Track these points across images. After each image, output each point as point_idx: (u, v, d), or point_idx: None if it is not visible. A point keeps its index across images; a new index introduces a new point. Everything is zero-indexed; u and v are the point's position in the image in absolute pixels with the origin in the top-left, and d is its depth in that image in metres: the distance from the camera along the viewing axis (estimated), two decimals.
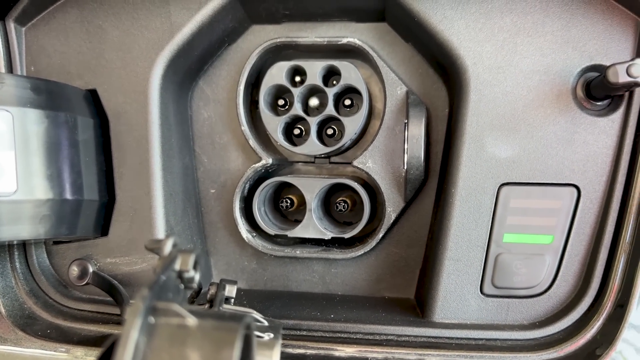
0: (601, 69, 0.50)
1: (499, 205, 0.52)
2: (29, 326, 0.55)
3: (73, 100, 0.55)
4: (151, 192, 0.56)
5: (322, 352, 0.51)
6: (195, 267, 0.34)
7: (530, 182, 0.52)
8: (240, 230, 0.62)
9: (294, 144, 0.62)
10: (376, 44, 0.60)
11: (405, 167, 0.58)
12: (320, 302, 0.60)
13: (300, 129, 0.64)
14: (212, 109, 0.64)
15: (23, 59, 0.59)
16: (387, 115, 0.59)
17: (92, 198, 0.55)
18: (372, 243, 0.61)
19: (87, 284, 0.57)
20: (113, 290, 0.56)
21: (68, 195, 0.53)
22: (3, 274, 0.58)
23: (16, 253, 0.59)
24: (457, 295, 0.53)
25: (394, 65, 0.60)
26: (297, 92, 0.60)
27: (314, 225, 0.61)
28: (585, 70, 0.52)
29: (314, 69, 0.60)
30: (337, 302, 0.61)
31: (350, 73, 0.59)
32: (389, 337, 0.53)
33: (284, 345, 0.51)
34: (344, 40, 0.59)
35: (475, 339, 0.52)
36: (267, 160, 0.61)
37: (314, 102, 0.62)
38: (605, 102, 0.52)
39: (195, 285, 0.35)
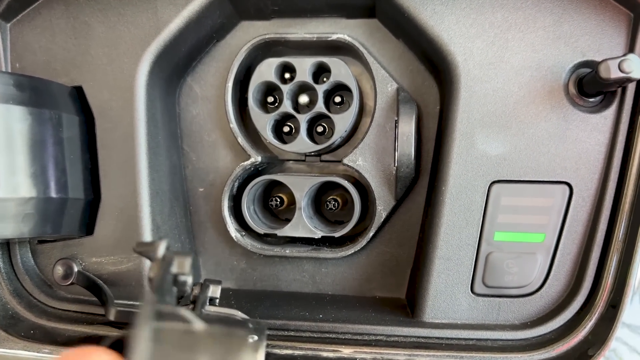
0: (593, 65, 0.50)
1: (490, 203, 0.52)
2: (12, 327, 0.54)
3: (58, 97, 0.54)
4: (137, 191, 0.55)
5: (309, 352, 0.50)
6: (189, 271, 0.33)
7: (522, 179, 0.51)
8: (229, 229, 0.61)
9: (284, 142, 0.61)
10: (366, 41, 0.59)
11: (395, 165, 0.57)
12: (310, 302, 0.59)
13: (290, 126, 0.63)
14: (200, 107, 0.63)
15: (8, 56, 0.58)
16: (378, 112, 0.58)
17: (77, 196, 0.54)
18: (363, 242, 0.60)
19: (72, 283, 0.56)
20: (98, 290, 0.55)
21: (52, 194, 0.52)
22: None
23: (0, 252, 0.58)
24: (447, 295, 0.53)
25: (385, 62, 0.59)
26: (286, 89, 0.60)
27: (303, 224, 0.60)
28: (578, 66, 0.51)
29: (304, 66, 0.59)
30: (327, 302, 0.60)
31: (340, 70, 0.58)
32: (378, 337, 0.52)
33: (271, 346, 0.50)
34: (334, 37, 0.58)
35: (465, 339, 0.51)
36: (256, 158, 0.60)
37: (303, 99, 0.62)
38: (598, 98, 0.51)
39: (188, 289, 0.34)
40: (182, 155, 0.63)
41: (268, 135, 0.60)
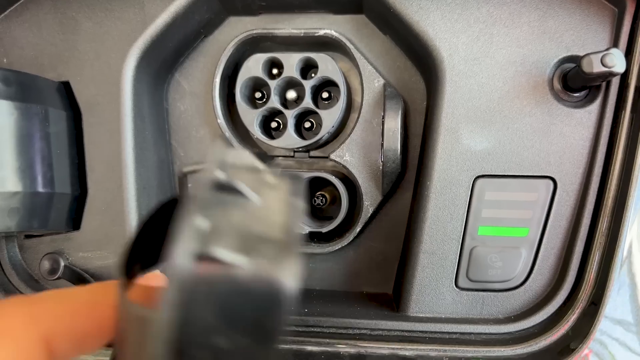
0: (578, 60, 0.50)
1: (474, 197, 0.52)
2: None
3: (45, 92, 0.54)
4: (124, 186, 0.55)
5: (293, 346, 0.50)
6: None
7: (506, 174, 0.51)
8: None
9: (272, 138, 0.61)
10: (354, 36, 0.60)
11: (382, 161, 0.57)
12: (296, 297, 0.59)
13: (278, 122, 0.63)
14: (188, 102, 0.63)
15: None
16: (365, 108, 0.59)
17: (64, 191, 0.55)
18: (350, 237, 0.60)
19: (58, 278, 0.56)
20: (85, 284, 0.55)
21: (39, 188, 0.52)
22: None
23: None
24: (431, 289, 0.53)
25: (372, 57, 0.59)
26: (274, 84, 0.60)
27: None
28: (562, 61, 0.51)
29: (291, 61, 0.59)
30: (314, 296, 0.60)
31: (328, 65, 0.58)
32: (362, 331, 0.52)
33: None
34: (321, 32, 0.58)
35: (449, 333, 0.51)
36: None
37: (291, 94, 0.62)
38: (582, 93, 0.51)
39: None
40: (170, 150, 0.63)
41: (256, 130, 0.60)
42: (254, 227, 0.24)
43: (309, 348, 0.50)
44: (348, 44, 0.58)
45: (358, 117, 0.59)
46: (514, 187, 0.51)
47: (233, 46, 0.60)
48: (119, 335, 0.27)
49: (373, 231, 0.62)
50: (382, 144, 0.56)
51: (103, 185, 0.56)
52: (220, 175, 0.24)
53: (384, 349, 0.50)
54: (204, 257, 0.21)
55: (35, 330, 0.25)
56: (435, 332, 0.52)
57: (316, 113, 0.60)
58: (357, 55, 0.58)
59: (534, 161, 0.51)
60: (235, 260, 0.21)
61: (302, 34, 0.59)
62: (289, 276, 0.22)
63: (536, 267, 0.52)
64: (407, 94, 0.59)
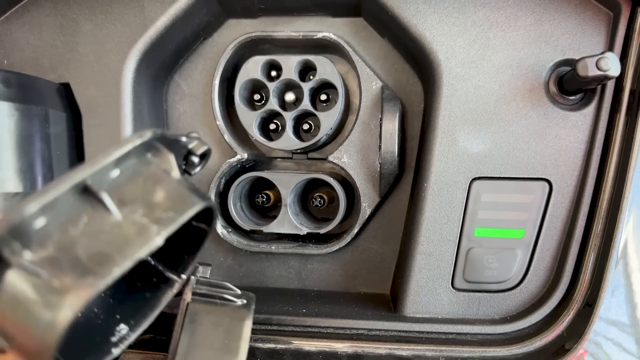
0: (573, 64, 0.50)
1: (471, 199, 0.52)
2: None
3: (45, 94, 0.54)
4: None
5: (291, 346, 0.51)
6: (202, 157, 0.37)
7: (502, 176, 0.52)
8: (215, 225, 0.62)
9: (271, 139, 0.62)
10: (352, 39, 0.60)
11: (380, 162, 0.57)
12: (295, 298, 0.60)
13: (276, 124, 0.64)
14: (187, 104, 0.64)
15: None
16: (363, 110, 0.59)
17: None
18: (348, 238, 0.60)
19: None
20: None
21: (39, 189, 0.52)
22: None
23: None
24: (428, 290, 0.53)
25: (370, 60, 0.60)
26: (273, 86, 0.60)
27: (289, 221, 0.60)
28: (558, 65, 0.52)
29: (290, 64, 0.59)
30: (312, 297, 0.60)
31: (326, 68, 0.59)
32: (360, 332, 0.53)
33: (253, 340, 0.51)
34: (319, 35, 0.59)
35: (445, 333, 0.52)
36: (242, 155, 0.61)
37: (290, 96, 0.62)
38: (578, 96, 0.52)
39: (192, 173, 0.38)
40: None
41: (254, 132, 0.61)
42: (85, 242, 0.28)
43: (307, 348, 0.51)
44: (346, 46, 0.59)
45: (356, 119, 0.59)
46: (510, 189, 0.52)
47: (232, 48, 0.60)
48: None
49: (371, 232, 0.62)
50: (380, 146, 0.57)
51: None
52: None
53: (381, 349, 0.50)
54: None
55: None
56: (432, 333, 0.52)
57: (314, 115, 0.60)
58: (355, 58, 0.58)
59: (529, 163, 0.51)
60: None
61: (300, 37, 0.59)
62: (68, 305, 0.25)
63: (532, 268, 0.52)
64: (405, 96, 0.60)
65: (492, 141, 0.52)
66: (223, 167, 0.61)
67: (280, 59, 0.59)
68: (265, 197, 0.64)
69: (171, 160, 0.34)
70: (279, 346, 0.51)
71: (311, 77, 0.60)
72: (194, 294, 0.42)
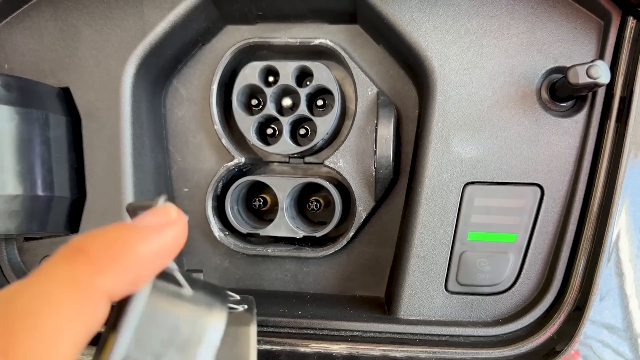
0: (565, 71, 0.51)
1: (464, 203, 0.53)
2: None
3: (45, 98, 0.55)
4: (121, 190, 0.56)
5: (287, 348, 0.52)
6: None
7: (495, 181, 0.53)
8: (212, 229, 0.63)
9: (268, 144, 0.63)
10: (348, 46, 0.61)
11: (375, 167, 0.58)
12: (291, 300, 0.60)
13: (273, 128, 0.64)
14: (186, 108, 0.64)
15: None
16: (358, 115, 0.60)
17: (63, 195, 0.56)
18: (343, 242, 0.61)
19: None
20: None
21: (39, 192, 0.53)
22: None
23: None
24: (422, 292, 0.54)
25: (366, 66, 0.61)
26: (270, 92, 0.61)
27: (286, 224, 0.61)
28: (550, 72, 0.53)
29: (287, 70, 0.60)
30: (308, 300, 0.61)
31: (323, 74, 0.60)
32: (355, 333, 0.54)
33: None
34: (316, 42, 0.60)
35: (439, 335, 0.53)
36: (239, 159, 0.62)
37: (287, 102, 0.63)
38: (569, 103, 0.53)
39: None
40: (168, 156, 0.65)
41: (252, 137, 0.61)
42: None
43: (302, 349, 0.52)
44: (342, 53, 0.60)
45: (352, 125, 0.60)
46: (503, 193, 0.53)
47: (230, 54, 0.61)
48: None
49: (366, 236, 0.63)
50: (375, 151, 0.58)
51: (101, 190, 0.57)
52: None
53: (375, 350, 0.51)
54: None
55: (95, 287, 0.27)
56: (426, 335, 0.53)
57: (311, 120, 0.61)
58: (351, 64, 0.60)
59: (522, 169, 0.52)
60: None
61: (297, 43, 0.60)
62: None
63: (523, 271, 0.53)
64: (400, 102, 0.61)
65: (485, 147, 0.53)
66: (220, 171, 0.62)
67: (277, 64, 0.60)
68: (262, 200, 0.65)
69: (177, 276, 0.33)
70: (275, 347, 0.52)
71: (308, 83, 0.61)
72: None
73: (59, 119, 0.56)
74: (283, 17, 0.61)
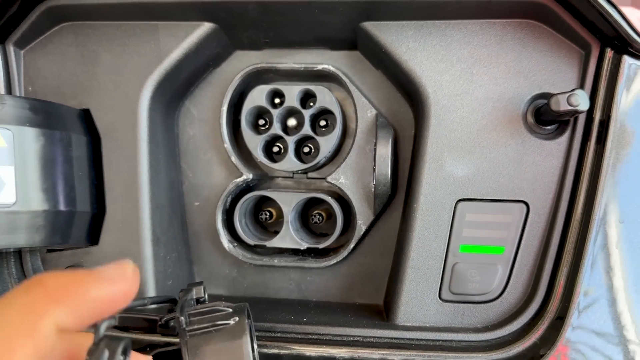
0: (549, 97, 0.56)
1: (456, 218, 0.57)
2: None
3: (67, 119, 0.59)
4: (139, 205, 0.61)
5: (294, 352, 0.56)
6: (124, 354, 0.36)
7: (484, 198, 0.57)
8: (222, 240, 0.67)
9: (274, 161, 0.67)
10: (349, 70, 0.65)
11: (374, 183, 0.63)
12: (295, 308, 0.65)
13: (279, 147, 0.69)
14: (197, 128, 0.69)
15: (21, 80, 0.64)
16: (359, 135, 0.64)
17: (84, 210, 0.60)
18: (344, 253, 0.65)
19: None
20: None
21: (62, 207, 0.57)
22: (0, 280, 0.62)
23: (12, 260, 0.63)
24: (417, 301, 0.58)
25: (365, 89, 0.65)
26: (276, 113, 0.65)
27: (290, 236, 0.65)
28: (535, 98, 0.57)
29: (292, 92, 0.65)
30: (311, 307, 0.65)
31: (325, 96, 0.64)
32: (356, 339, 0.58)
33: (259, 346, 0.55)
34: (319, 67, 0.64)
35: (433, 340, 0.57)
36: (247, 175, 0.66)
37: (292, 122, 0.67)
38: (553, 127, 0.57)
39: None
40: (180, 172, 0.69)
41: (259, 154, 0.66)
42: None
43: (307, 353, 0.56)
44: (344, 77, 0.64)
45: (353, 143, 0.65)
46: (491, 209, 0.57)
47: (239, 78, 0.66)
48: None
49: (366, 248, 0.67)
50: (374, 169, 0.62)
51: (120, 204, 0.61)
52: None
53: (374, 354, 0.55)
54: None
55: (50, 321, 0.31)
56: (421, 340, 0.57)
57: (314, 139, 0.66)
58: (351, 87, 0.64)
59: (509, 187, 0.57)
60: None
61: (302, 68, 0.65)
62: None
63: (511, 281, 0.58)
64: (397, 123, 0.65)
65: (475, 166, 0.57)
66: (230, 187, 0.66)
67: (283, 87, 0.65)
68: (268, 214, 0.69)
69: None
70: (282, 351, 0.56)
71: (311, 104, 0.66)
72: (189, 331, 0.45)
73: (80, 139, 0.60)
74: (289, 43, 0.65)
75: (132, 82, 0.61)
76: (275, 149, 0.69)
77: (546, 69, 0.57)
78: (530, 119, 0.57)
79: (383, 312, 0.64)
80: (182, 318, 0.46)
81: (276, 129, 0.66)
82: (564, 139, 0.57)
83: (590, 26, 0.54)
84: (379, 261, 0.67)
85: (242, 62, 0.67)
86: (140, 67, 0.61)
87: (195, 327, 0.46)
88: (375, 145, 0.62)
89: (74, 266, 0.62)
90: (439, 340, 0.57)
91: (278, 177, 0.70)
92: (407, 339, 0.57)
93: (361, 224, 0.65)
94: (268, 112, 0.66)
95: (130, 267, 0.37)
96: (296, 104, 0.65)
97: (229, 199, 0.67)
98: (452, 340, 0.57)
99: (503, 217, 0.57)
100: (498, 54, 0.57)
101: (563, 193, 0.56)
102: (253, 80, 0.67)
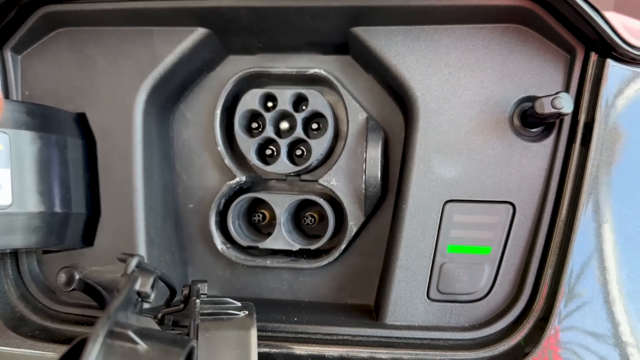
0: (534, 100, 0.57)
1: (444, 219, 0.59)
2: (20, 328, 0.60)
3: (63, 123, 0.60)
4: (133, 207, 0.62)
5: (284, 350, 0.57)
6: (153, 287, 0.39)
7: (471, 199, 0.58)
8: (215, 242, 0.68)
9: (267, 163, 0.68)
10: (340, 74, 0.67)
11: (364, 185, 0.64)
12: (287, 308, 0.65)
13: (272, 149, 0.70)
14: (191, 131, 0.70)
15: (19, 85, 0.65)
16: (350, 138, 0.66)
17: (80, 211, 0.61)
18: (336, 254, 0.66)
19: (73, 289, 0.62)
20: (97, 295, 0.61)
21: (58, 209, 0.58)
22: None
23: (9, 261, 0.64)
24: (406, 300, 0.59)
25: (356, 93, 0.67)
26: (269, 116, 0.67)
27: (283, 238, 0.66)
28: (521, 101, 0.58)
29: (285, 96, 0.66)
30: (303, 307, 0.66)
31: (317, 100, 0.65)
32: (345, 337, 0.59)
33: None
34: (311, 71, 0.65)
35: (421, 339, 0.58)
36: (241, 177, 0.67)
37: (284, 125, 0.69)
38: (539, 129, 0.58)
39: (150, 300, 0.40)
40: (174, 174, 0.70)
41: (252, 157, 0.67)
42: None
43: (298, 352, 0.57)
44: (335, 81, 0.65)
45: (344, 146, 0.66)
46: (479, 210, 0.58)
47: (233, 82, 0.67)
48: None
49: (357, 249, 0.68)
50: (365, 171, 0.63)
51: (114, 206, 0.62)
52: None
53: (363, 352, 0.56)
54: None
55: None
56: (409, 339, 0.58)
57: (306, 142, 0.67)
58: (343, 91, 0.65)
59: (495, 188, 0.58)
60: None
61: (294, 72, 0.66)
62: None
63: (497, 281, 0.59)
64: (388, 126, 0.66)
65: (463, 168, 0.58)
66: (223, 189, 0.67)
67: (276, 91, 0.66)
68: (261, 215, 0.70)
69: (131, 335, 0.34)
70: (273, 350, 0.57)
71: (304, 108, 0.67)
72: (200, 314, 0.47)
73: (76, 142, 0.61)
74: (281, 48, 0.66)
75: (127, 87, 0.62)
76: (268, 152, 0.70)
77: (532, 72, 0.58)
78: (517, 122, 0.58)
79: (373, 311, 0.64)
80: (198, 300, 0.47)
81: (269, 132, 0.67)
82: (549, 141, 0.58)
83: (575, 30, 0.55)
84: (370, 262, 0.68)
85: (236, 66, 0.68)
86: (135, 72, 0.62)
87: (208, 312, 0.47)
88: (365, 148, 0.63)
89: (69, 267, 0.63)
90: (426, 339, 0.58)
91: (272, 179, 0.71)
92: (396, 337, 0.58)
93: (352, 225, 0.66)
94: (261, 115, 0.67)
95: None
96: (289, 107, 0.66)
97: (223, 201, 0.68)
98: (439, 339, 0.58)
99: (490, 218, 0.58)
100: (485, 58, 0.58)
101: (549, 194, 0.57)
102: (246, 85, 0.69)
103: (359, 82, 0.67)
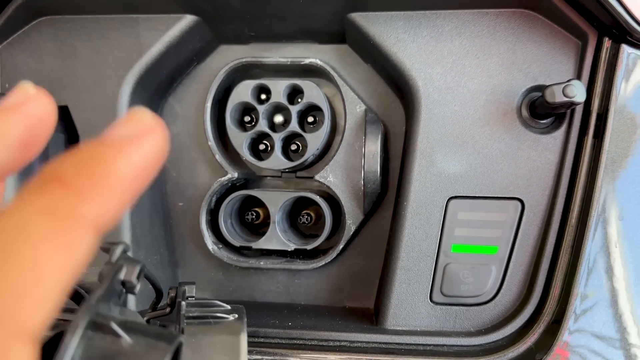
0: (544, 89, 0.53)
1: (448, 217, 0.55)
2: None
3: None
4: None
5: (277, 357, 0.53)
6: (139, 277, 0.36)
7: (477, 195, 0.55)
8: (206, 242, 0.64)
9: (261, 159, 0.65)
10: (337, 65, 0.63)
11: (363, 182, 0.60)
12: (282, 311, 0.62)
13: (266, 144, 0.66)
14: (181, 125, 0.67)
15: None
16: (347, 132, 0.62)
17: None
18: (333, 254, 0.63)
19: None
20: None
21: None
22: None
23: None
24: (408, 303, 0.56)
25: (354, 84, 0.63)
26: (262, 109, 0.63)
27: (277, 237, 0.63)
28: (530, 91, 0.55)
29: (279, 88, 0.62)
30: (298, 311, 0.63)
31: (313, 92, 0.62)
32: (343, 343, 0.55)
33: None
34: (307, 61, 0.62)
35: (424, 345, 0.54)
36: (233, 174, 0.64)
37: (278, 118, 0.65)
38: (548, 120, 0.55)
39: (136, 292, 0.37)
40: (163, 171, 0.67)
41: (245, 152, 0.64)
42: None
43: (292, 359, 0.53)
44: (332, 72, 0.62)
45: (341, 140, 0.62)
46: (485, 207, 0.55)
47: (224, 73, 0.63)
48: None
49: (356, 248, 0.65)
50: (363, 167, 0.60)
51: None
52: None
53: (363, 359, 0.53)
54: None
55: None
56: (411, 345, 0.54)
57: (302, 136, 0.63)
58: (340, 82, 0.62)
59: (503, 183, 0.54)
60: None
61: (289, 62, 0.62)
62: None
63: (505, 283, 0.55)
64: (387, 119, 0.63)
65: (468, 162, 0.55)
66: (214, 186, 0.64)
67: (269, 83, 0.63)
68: (254, 214, 0.66)
69: (114, 327, 0.30)
70: (265, 357, 0.53)
71: (299, 100, 0.63)
72: (187, 317, 0.44)
73: (57, 136, 0.58)
74: (275, 37, 0.63)
75: (112, 78, 0.59)
76: (262, 147, 0.66)
77: (541, 60, 0.55)
78: (525, 113, 0.55)
79: (373, 315, 0.61)
80: (184, 303, 0.44)
81: (262, 125, 0.63)
82: (560, 132, 0.54)
83: (587, 15, 0.52)
84: (369, 262, 0.64)
85: (227, 56, 0.65)
86: (120, 62, 0.59)
87: (194, 315, 0.44)
88: (364, 142, 0.60)
89: None
90: (430, 345, 0.55)
91: (266, 176, 0.68)
92: (397, 343, 0.55)
93: (351, 224, 0.63)
94: (254, 108, 0.64)
95: (146, 113, 0.27)
96: (283, 99, 0.63)
97: (214, 198, 0.65)
98: (443, 345, 0.54)
99: (497, 215, 0.55)
100: (491, 45, 0.55)
101: (559, 190, 0.54)
102: (238, 76, 0.65)
103: (357, 73, 0.63)
